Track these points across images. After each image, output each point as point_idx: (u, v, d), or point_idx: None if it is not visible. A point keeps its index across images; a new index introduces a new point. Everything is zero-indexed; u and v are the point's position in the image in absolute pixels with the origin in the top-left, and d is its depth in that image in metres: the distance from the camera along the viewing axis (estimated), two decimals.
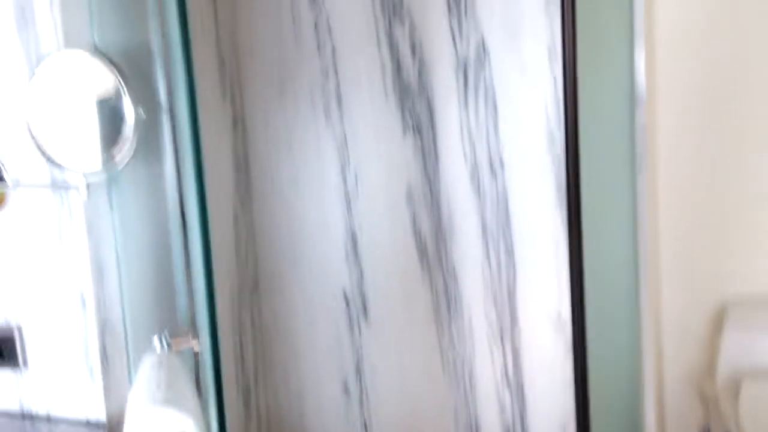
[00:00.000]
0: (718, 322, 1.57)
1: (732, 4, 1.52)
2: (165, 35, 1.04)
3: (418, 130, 1.38)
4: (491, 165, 1.35)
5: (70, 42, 1.01)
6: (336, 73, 1.41)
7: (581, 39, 1.31)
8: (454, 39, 1.35)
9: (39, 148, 0.98)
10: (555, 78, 1.31)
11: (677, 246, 1.58)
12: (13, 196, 1.02)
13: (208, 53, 1.38)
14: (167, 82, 1.03)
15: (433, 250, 1.40)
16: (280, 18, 1.43)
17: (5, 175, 1.02)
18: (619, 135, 1.48)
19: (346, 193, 1.44)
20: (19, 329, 1.01)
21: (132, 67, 1.03)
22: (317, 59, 1.41)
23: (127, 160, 1.00)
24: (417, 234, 1.41)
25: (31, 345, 1.02)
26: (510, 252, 1.35)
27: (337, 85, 1.41)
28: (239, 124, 1.47)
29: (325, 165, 1.44)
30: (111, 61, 0.99)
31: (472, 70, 1.34)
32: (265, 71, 1.45)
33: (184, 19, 1.03)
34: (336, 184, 1.44)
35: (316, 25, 1.41)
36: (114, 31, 1.05)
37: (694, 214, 1.58)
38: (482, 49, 1.33)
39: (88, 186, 0.99)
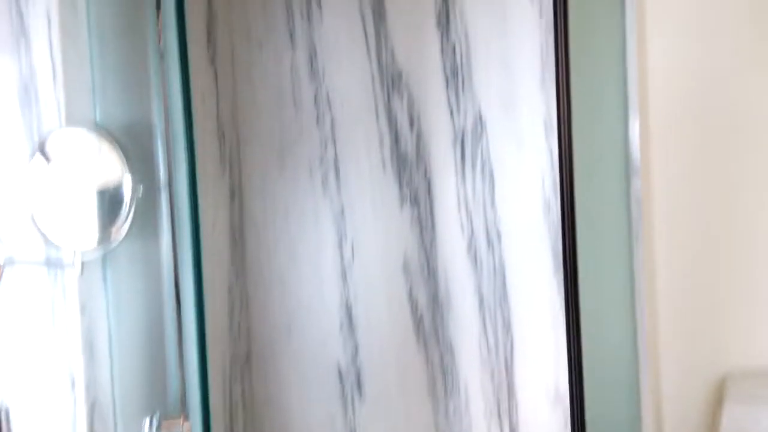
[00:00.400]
0: (718, 395, 1.55)
1: (726, 72, 1.54)
2: (167, 111, 1.06)
3: (415, 201, 1.39)
4: (488, 236, 1.35)
5: (72, 119, 1.02)
6: (335, 144, 1.42)
7: (576, 110, 1.33)
8: (451, 112, 1.37)
9: (36, 225, 0.98)
10: (551, 150, 1.32)
11: (676, 317, 1.57)
12: (6, 273, 1.01)
13: (207, 125, 1.39)
14: (167, 158, 1.04)
15: (429, 323, 1.39)
16: (280, 90, 1.45)
17: (0, 252, 1.02)
18: (615, 204, 1.49)
19: (342, 265, 1.43)
20: (6, 411, 0.99)
21: (133, 143, 1.04)
22: (316, 130, 1.43)
23: (123, 237, 0.99)
24: (413, 306, 1.40)
25: (18, 427, 1.00)
26: (507, 325, 1.34)
27: (336, 156, 1.42)
28: (236, 196, 1.47)
29: (322, 236, 1.44)
30: (112, 138, 1.00)
31: (470, 142, 1.36)
32: (264, 142, 1.46)
33: (187, 95, 1.04)
34: (332, 255, 1.43)
35: (315, 98, 1.43)
36: (116, 107, 1.06)
37: (692, 285, 1.57)
38: (479, 121, 1.35)
39: (82, 264, 0.99)
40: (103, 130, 1.01)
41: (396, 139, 1.39)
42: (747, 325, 1.55)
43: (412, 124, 1.39)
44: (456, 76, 1.36)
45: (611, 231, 1.48)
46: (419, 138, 1.38)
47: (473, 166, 1.36)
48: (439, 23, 1.37)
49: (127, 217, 0.98)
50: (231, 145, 1.46)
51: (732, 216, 1.55)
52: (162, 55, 1.10)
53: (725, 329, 1.56)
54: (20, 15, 1.06)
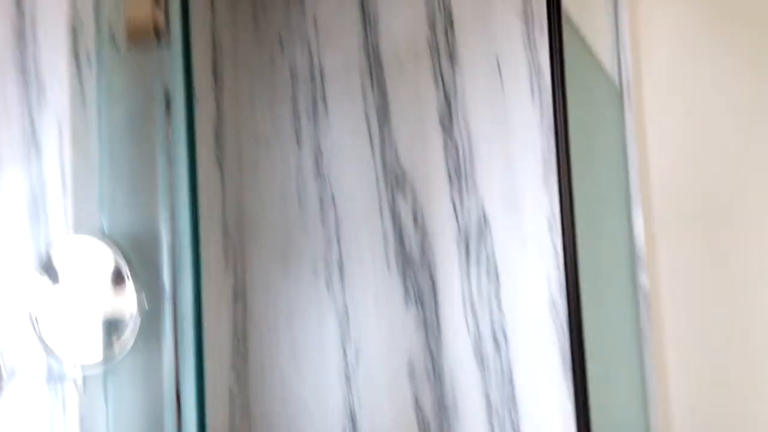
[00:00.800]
0: None
1: (729, 164, 1.56)
2: (174, 220, 1.06)
3: (420, 301, 1.38)
4: (494, 337, 1.33)
5: (79, 228, 1.03)
6: (339, 243, 1.42)
7: (579, 207, 1.34)
8: (455, 210, 1.37)
9: (39, 338, 0.97)
10: (555, 248, 1.32)
11: (688, 418, 1.53)
12: (8, 387, 0.99)
13: (213, 226, 1.40)
14: (173, 268, 1.04)
15: (435, 429, 1.35)
16: (286, 189, 1.46)
17: (2, 365, 1.00)
18: (622, 300, 1.47)
19: (346, 368, 1.41)
20: None
21: (139, 253, 1.04)
22: (321, 230, 1.43)
23: (126, 350, 0.98)
24: (418, 411, 1.36)
25: None
26: (516, 430, 1.30)
27: (340, 256, 1.42)
28: (240, 297, 1.47)
29: (325, 338, 1.42)
30: (118, 249, 1.00)
31: (474, 241, 1.36)
32: (268, 242, 1.47)
33: (194, 205, 1.05)
34: (336, 358, 1.41)
35: (320, 197, 1.44)
36: (123, 216, 1.07)
37: (704, 384, 1.54)
38: (483, 220, 1.35)
39: (84, 378, 0.97)
40: (109, 240, 1.01)
41: (400, 238, 1.39)
42: (763, 419, 1.51)
43: (416, 223, 1.39)
44: (459, 175, 1.37)
45: (619, 328, 1.46)
46: (423, 237, 1.39)
47: (478, 265, 1.35)
48: (442, 124, 1.39)
49: (131, 332, 0.97)
50: (236, 246, 1.46)
51: (742, 307, 1.53)
52: (170, 160, 1.11)
53: (740, 425, 1.52)
54: (32, 123, 1.08)
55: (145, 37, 1.11)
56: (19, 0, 1.08)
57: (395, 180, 1.41)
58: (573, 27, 1.40)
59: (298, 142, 1.47)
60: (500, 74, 1.37)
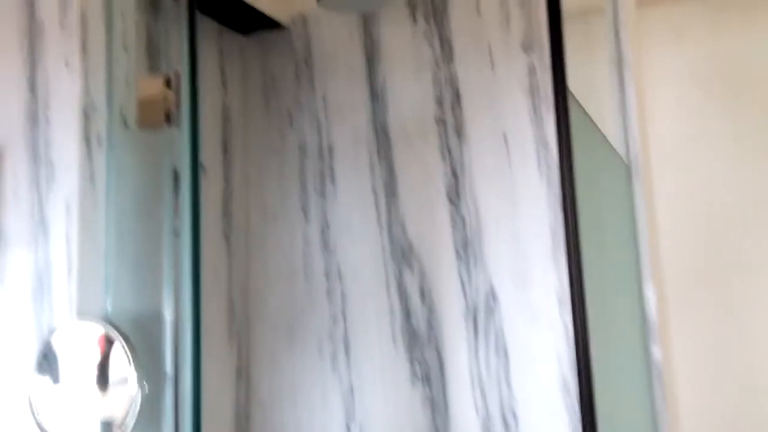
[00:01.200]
0: None
1: (738, 234, 1.54)
2: (177, 299, 1.06)
3: (426, 379, 1.35)
4: (504, 417, 1.30)
5: (83, 311, 1.03)
6: (345, 319, 1.41)
7: (590, 282, 1.32)
8: (463, 286, 1.36)
9: (39, 425, 0.96)
10: (566, 324, 1.30)
11: None
12: None
13: (218, 303, 1.39)
14: (175, 350, 1.03)
15: None
16: (292, 263, 1.46)
17: None
18: (635, 376, 1.44)
19: None
20: None
21: (142, 335, 1.03)
22: (327, 305, 1.42)
23: None
24: None
25: None
26: None
27: (345, 332, 1.41)
28: (243, 375, 1.45)
29: (330, 418, 1.39)
30: (121, 333, 0.99)
31: (482, 317, 1.34)
32: (274, 318, 1.46)
33: (197, 285, 1.04)
34: None
35: (327, 272, 1.43)
36: (128, 298, 1.07)
37: None
38: (491, 296, 1.34)
39: None
40: (112, 324, 1.01)
41: (407, 313, 1.38)
42: None
43: (423, 298, 1.38)
44: (467, 250, 1.37)
45: (632, 404, 1.42)
46: (431, 313, 1.37)
47: (486, 343, 1.33)
48: (449, 198, 1.39)
49: (131, 416, 0.96)
50: (240, 322, 1.45)
51: (757, 376, 1.49)
52: (177, 239, 1.11)
53: None
54: (40, 204, 1.09)
55: (156, 119, 1.13)
56: (33, 83, 1.11)
57: (402, 254, 1.40)
58: (579, 104, 1.41)
59: (306, 216, 1.47)
60: (507, 149, 1.37)
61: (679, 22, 1.63)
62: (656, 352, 1.46)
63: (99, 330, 0.99)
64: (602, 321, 1.39)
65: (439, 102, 1.42)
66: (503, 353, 1.32)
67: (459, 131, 1.40)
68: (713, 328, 1.53)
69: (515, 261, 1.34)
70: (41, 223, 1.07)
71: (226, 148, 1.48)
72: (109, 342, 0.99)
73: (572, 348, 1.28)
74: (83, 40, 1.09)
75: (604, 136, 1.52)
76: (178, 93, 1.13)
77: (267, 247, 1.48)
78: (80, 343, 0.99)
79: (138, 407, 0.97)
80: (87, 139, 1.09)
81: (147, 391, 0.98)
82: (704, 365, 1.51)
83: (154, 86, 1.13)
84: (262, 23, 1.53)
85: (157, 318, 1.06)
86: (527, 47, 1.38)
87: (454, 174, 1.39)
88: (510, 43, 1.39)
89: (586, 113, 1.46)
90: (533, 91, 1.37)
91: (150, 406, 1.01)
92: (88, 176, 1.08)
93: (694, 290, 1.55)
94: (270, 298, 1.46)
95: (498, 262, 1.34)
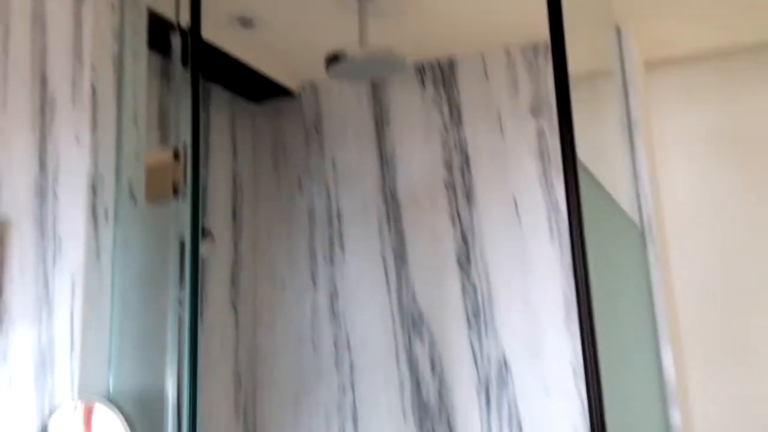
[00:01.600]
0: None
1: (755, 294, 1.50)
2: (180, 380, 1.03)
3: None
4: None
5: (84, 389, 1.01)
6: (353, 389, 1.38)
7: (604, 349, 1.28)
8: (474, 356, 1.33)
9: None
10: (581, 394, 1.26)
11: None
12: None
13: (224, 373, 1.37)
14: (177, 426, 1.00)
15: None
16: (301, 332, 1.44)
17: None
18: None
19: None
20: None
21: (143, 413, 1.01)
22: (335, 375, 1.39)
23: None
24: None
25: None
26: None
27: (354, 403, 1.37)
28: None
29: None
30: (122, 413, 0.97)
31: (494, 388, 1.30)
32: (281, 387, 1.43)
33: (194, 363, 1.02)
34: None
35: (335, 341, 1.41)
36: (130, 376, 1.05)
37: None
38: (504, 366, 1.30)
39: None
40: (113, 403, 0.99)
41: (417, 384, 1.34)
42: None
43: (433, 368, 1.35)
44: (478, 317, 1.34)
45: None
46: (441, 384, 1.33)
47: (499, 415, 1.29)
48: (459, 264, 1.37)
49: None
50: (247, 392, 1.43)
51: None
52: (181, 309, 1.10)
53: None
54: (46, 279, 1.08)
55: (164, 191, 1.13)
56: (42, 158, 1.12)
57: (412, 322, 1.37)
58: (588, 171, 1.40)
59: (314, 283, 1.46)
60: (518, 214, 1.36)
61: (688, 84, 1.62)
62: (675, 416, 1.40)
63: (99, 410, 0.97)
64: (619, 387, 1.34)
65: (449, 167, 1.42)
66: (516, 425, 1.28)
67: (469, 195, 1.39)
68: (734, 390, 1.47)
69: (528, 329, 1.30)
70: (46, 299, 1.06)
71: (235, 216, 1.47)
72: (109, 422, 0.97)
73: (587, 420, 1.24)
74: (94, 115, 1.10)
75: (616, 202, 1.50)
76: (185, 165, 1.14)
77: (275, 315, 1.46)
78: (80, 422, 0.97)
79: None
80: (94, 212, 1.08)
81: None
82: (725, 428, 1.45)
83: (162, 159, 1.14)
84: (273, 91, 1.55)
85: (159, 395, 1.04)
86: (536, 111, 1.38)
87: (464, 239, 1.38)
88: (518, 107, 1.39)
89: (595, 179, 1.44)
90: (543, 155, 1.36)
91: None
92: (95, 251, 1.07)
93: (713, 352, 1.50)
94: (277, 367, 1.44)
95: (510, 331, 1.31)
